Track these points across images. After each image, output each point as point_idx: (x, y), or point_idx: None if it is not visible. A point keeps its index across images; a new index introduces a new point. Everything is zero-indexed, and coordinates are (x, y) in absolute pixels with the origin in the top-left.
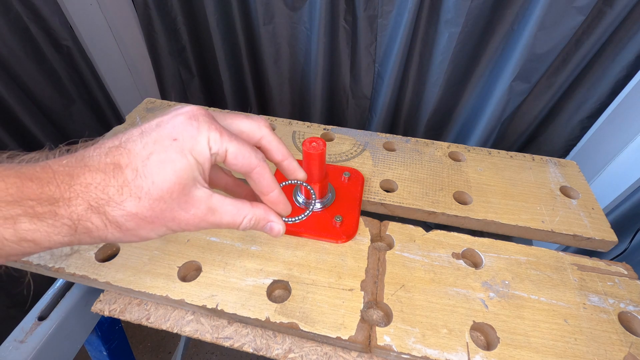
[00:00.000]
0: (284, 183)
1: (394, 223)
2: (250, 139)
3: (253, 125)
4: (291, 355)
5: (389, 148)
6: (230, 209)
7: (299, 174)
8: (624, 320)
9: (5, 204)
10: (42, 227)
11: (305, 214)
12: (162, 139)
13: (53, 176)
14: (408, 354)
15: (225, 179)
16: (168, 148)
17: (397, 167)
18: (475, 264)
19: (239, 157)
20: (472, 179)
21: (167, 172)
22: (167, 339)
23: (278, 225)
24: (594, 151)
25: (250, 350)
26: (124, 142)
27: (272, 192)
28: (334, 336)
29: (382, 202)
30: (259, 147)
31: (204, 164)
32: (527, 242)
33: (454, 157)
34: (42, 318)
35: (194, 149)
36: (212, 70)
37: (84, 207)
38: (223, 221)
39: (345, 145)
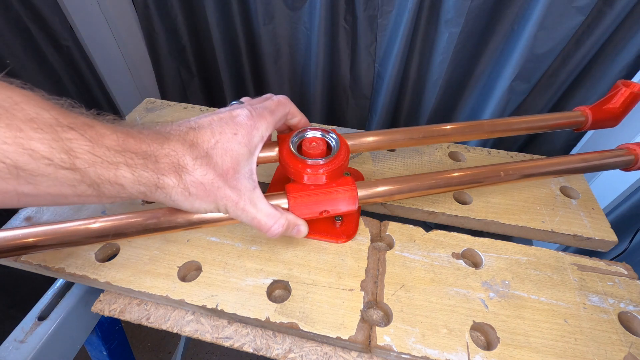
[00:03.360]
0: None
1: (394, 223)
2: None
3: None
4: (291, 355)
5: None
6: (267, 208)
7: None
8: (624, 320)
9: (115, 152)
10: (134, 174)
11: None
12: (225, 132)
13: (145, 139)
14: (408, 354)
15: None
16: (230, 140)
17: (397, 167)
18: (475, 264)
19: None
20: None
21: (227, 157)
22: (167, 339)
23: (304, 227)
24: (593, 150)
25: (250, 350)
26: (197, 127)
27: None
28: (334, 336)
29: (382, 202)
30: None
31: (257, 149)
32: (527, 242)
33: (454, 157)
34: (42, 318)
35: (250, 143)
36: (212, 70)
37: (167, 165)
38: (258, 217)
39: None
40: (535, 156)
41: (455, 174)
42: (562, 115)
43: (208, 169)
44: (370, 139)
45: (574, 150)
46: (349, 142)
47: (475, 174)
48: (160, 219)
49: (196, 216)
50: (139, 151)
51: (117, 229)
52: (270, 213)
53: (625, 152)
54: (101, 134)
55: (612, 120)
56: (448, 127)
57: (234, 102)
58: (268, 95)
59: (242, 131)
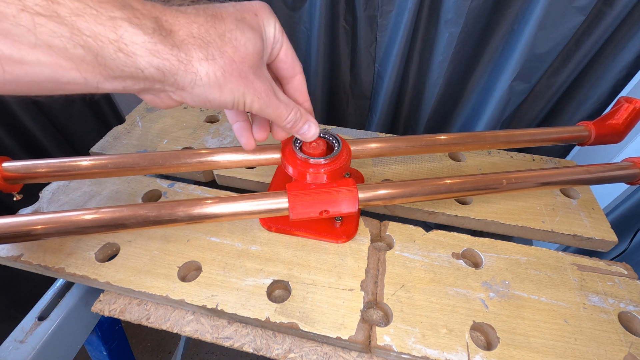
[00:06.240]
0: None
1: (394, 223)
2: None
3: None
4: (291, 355)
5: None
6: (284, 97)
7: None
8: (624, 320)
9: (112, 5)
10: (145, 38)
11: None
12: (247, 9)
13: (149, 6)
14: (408, 354)
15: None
16: (253, 20)
17: (397, 167)
18: (475, 264)
19: (290, 54)
20: None
21: (250, 36)
22: (167, 339)
23: (314, 127)
24: (594, 151)
25: (250, 350)
26: (214, 4)
27: (308, 101)
28: (334, 336)
29: (383, 205)
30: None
31: (267, 47)
32: (527, 242)
33: (454, 157)
34: (42, 318)
35: (265, 30)
36: None
37: (188, 37)
38: (280, 105)
39: None
40: (535, 157)
41: (457, 181)
42: (565, 130)
43: (238, 46)
44: (372, 145)
45: (573, 151)
46: (352, 148)
47: (477, 181)
48: (160, 212)
49: (196, 211)
50: (146, 13)
51: (118, 220)
52: (287, 102)
53: (630, 165)
54: None
55: (615, 136)
56: (450, 137)
57: None
58: None
59: (261, 13)
